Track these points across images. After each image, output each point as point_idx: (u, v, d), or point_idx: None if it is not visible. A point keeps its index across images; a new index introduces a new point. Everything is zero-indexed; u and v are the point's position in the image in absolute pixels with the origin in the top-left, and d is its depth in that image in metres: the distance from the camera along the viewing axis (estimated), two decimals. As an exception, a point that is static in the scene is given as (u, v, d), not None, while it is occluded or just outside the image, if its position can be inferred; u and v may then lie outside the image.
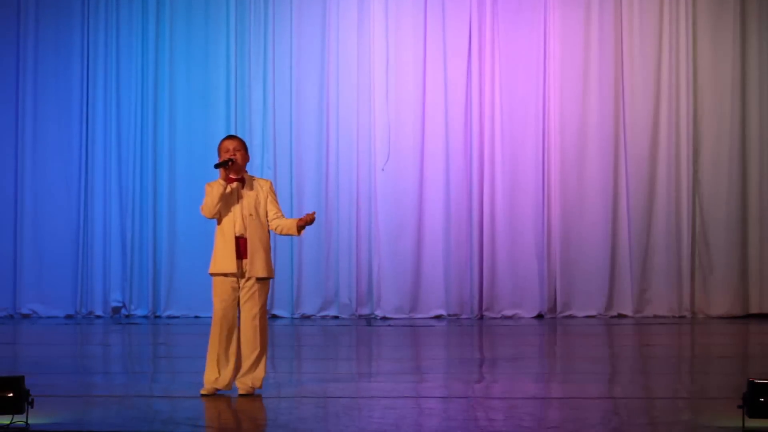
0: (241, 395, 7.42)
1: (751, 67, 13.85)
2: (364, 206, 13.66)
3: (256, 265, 7.50)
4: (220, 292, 7.51)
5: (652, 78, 13.79)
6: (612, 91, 13.74)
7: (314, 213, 7.62)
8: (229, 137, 7.80)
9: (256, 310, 7.51)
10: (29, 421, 6.22)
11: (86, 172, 13.69)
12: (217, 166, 7.62)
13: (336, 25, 13.72)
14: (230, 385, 7.47)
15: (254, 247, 7.50)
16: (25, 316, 13.57)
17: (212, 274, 7.53)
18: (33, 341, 11.53)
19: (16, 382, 6.19)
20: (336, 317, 13.57)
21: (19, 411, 6.16)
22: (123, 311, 13.63)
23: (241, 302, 7.53)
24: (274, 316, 13.59)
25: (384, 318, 13.45)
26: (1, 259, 13.65)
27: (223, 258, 7.49)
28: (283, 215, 7.68)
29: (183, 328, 12.64)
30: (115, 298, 13.65)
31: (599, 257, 13.65)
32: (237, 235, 7.50)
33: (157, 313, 13.61)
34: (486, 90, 13.69)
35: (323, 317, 13.56)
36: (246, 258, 7.49)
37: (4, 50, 13.75)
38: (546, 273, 13.60)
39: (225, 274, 7.48)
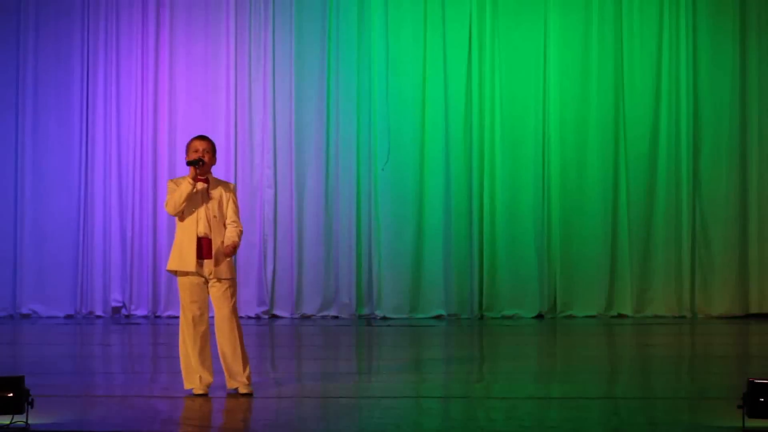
0: (244, 394, 7.42)
1: (751, 67, 13.85)
2: (364, 206, 13.67)
3: (221, 267, 7.54)
4: (190, 292, 7.53)
5: (652, 78, 13.79)
6: (612, 91, 13.74)
7: (232, 247, 7.52)
8: (200, 137, 7.76)
9: (229, 308, 7.56)
10: (29, 421, 6.22)
11: (86, 172, 13.69)
12: (190, 163, 7.57)
13: (336, 25, 13.72)
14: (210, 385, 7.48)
15: (218, 248, 7.52)
16: (25, 316, 13.57)
17: (170, 271, 7.58)
18: (33, 341, 11.53)
19: (16, 382, 6.19)
20: (336, 317, 13.57)
21: (19, 411, 6.17)
22: (123, 311, 13.63)
23: (214, 302, 7.55)
24: (274, 316, 13.60)
25: (384, 318, 13.45)
26: (1, 259, 13.64)
27: (184, 256, 7.50)
28: (237, 222, 7.63)
29: (183, 328, 12.62)
30: (115, 298, 13.65)
31: (599, 257, 13.65)
32: (200, 235, 7.52)
33: (157, 313, 13.61)
34: (486, 90, 13.70)
35: (323, 317, 13.56)
36: (210, 258, 7.50)
37: (4, 50, 13.75)
38: (546, 273, 13.60)
39: (185, 273, 7.48)
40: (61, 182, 13.71)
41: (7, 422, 6.17)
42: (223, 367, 7.54)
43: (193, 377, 7.46)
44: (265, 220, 13.63)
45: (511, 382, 8.40)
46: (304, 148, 13.71)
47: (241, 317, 13.48)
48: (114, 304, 13.64)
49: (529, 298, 13.65)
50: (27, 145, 13.70)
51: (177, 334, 11.96)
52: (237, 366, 7.48)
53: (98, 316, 13.56)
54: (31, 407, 6.24)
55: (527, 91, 13.74)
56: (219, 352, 7.55)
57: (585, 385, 8.21)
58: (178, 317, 13.27)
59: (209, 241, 7.52)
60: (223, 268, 7.53)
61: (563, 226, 13.65)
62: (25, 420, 6.20)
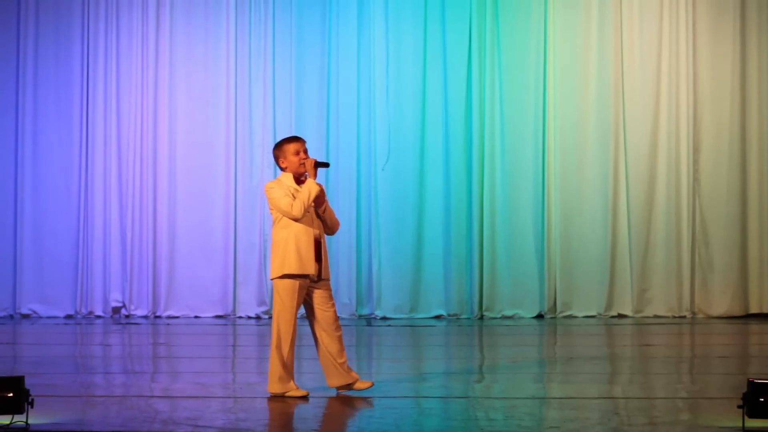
0: (364, 389, 7.44)
1: (751, 67, 13.85)
2: (365, 206, 13.66)
3: (328, 267, 7.48)
4: (298, 296, 7.34)
5: (652, 78, 13.79)
6: (612, 91, 13.74)
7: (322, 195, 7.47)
8: (297, 139, 7.51)
9: (335, 308, 7.50)
10: (29, 421, 6.22)
11: (86, 172, 13.69)
12: (320, 165, 7.40)
13: (336, 25, 13.71)
14: None
15: (325, 248, 7.47)
16: (25, 316, 13.57)
17: (288, 276, 7.31)
18: (33, 341, 11.53)
19: (16, 382, 6.19)
20: (336, 317, 13.54)
21: (19, 411, 6.16)
22: (123, 311, 13.63)
23: (320, 304, 7.42)
24: (274, 316, 13.58)
25: (384, 318, 13.45)
26: (1, 259, 13.64)
27: (304, 259, 7.30)
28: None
29: (183, 328, 12.64)
30: (115, 298, 13.64)
31: (599, 257, 13.65)
32: (316, 236, 7.37)
33: (157, 313, 13.60)
34: (486, 90, 13.69)
35: (323, 317, 13.53)
36: (321, 260, 7.41)
37: (4, 50, 13.74)
38: (546, 273, 13.60)
39: (298, 276, 7.34)
40: (61, 182, 13.70)
41: (7, 422, 6.17)
42: (329, 368, 7.44)
43: (288, 381, 7.35)
44: (265, 220, 13.61)
45: (511, 382, 8.39)
46: (304, 148, 13.68)
47: (240, 317, 13.57)
48: (114, 304, 13.63)
49: (529, 298, 13.64)
50: (27, 145, 13.69)
51: (177, 334, 12.07)
52: (345, 362, 7.46)
53: (98, 316, 13.56)
54: (31, 407, 6.23)
55: (527, 90, 13.73)
56: (323, 352, 7.43)
57: (585, 385, 8.21)
58: (177, 317, 13.48)
59: (319, 242, 7.41)
60: (328, 267, 7.48)
61: (563, 226, 13.65)
62: (25, 420, 6.20)
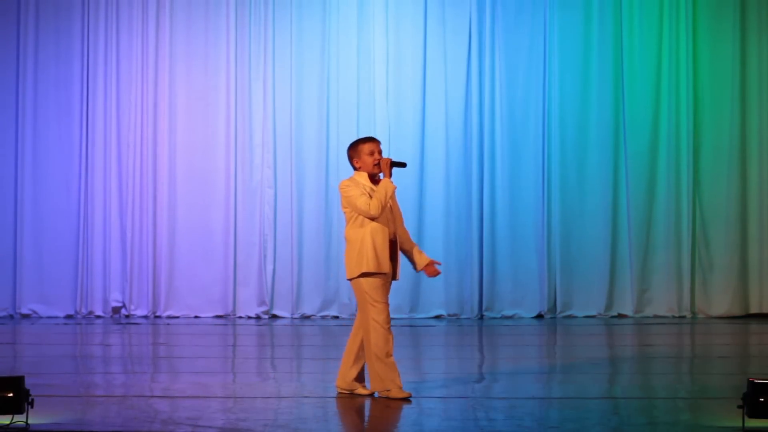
0: (368, 395, 7.43)
1: (751, 67, 13.87)
2: (364, 206, 13.65)
3: (399, 269, 7.49)
4: (385, 291, 7.36)
5: (652, 78, 13.80)
6: (612, 91, 13.74)
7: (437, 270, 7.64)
8: (372, 139, 7.50)
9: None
10: (29, 421, 6.22)
11: (86, 172, 13.69)
12: (397, 164, 7.43)
13: (336, 25, 13.72)
14: None
15: (398, 249, 7.44)
16: (25, 316, 13.57)
17: (366, 274, 7.30)
18: (33, 341, 11.53)
19: (16, 382, 6.19)
20: (336, 317, 13.57)
21: (19, 411, 6.16)
22: (123, 311, 13.63)
23: None
24: (274, 316, 13.59)
25: (384, 318, 13.43)
26: (1, 259, 13.64)
27: (381, 257, 7.31)
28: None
29: (183, 328, 12.64)
30: (115, 298, 13.65)
31: (599, 257, 13.66)
32: (391, 236, 7.38)
33: (157, 313, 13.61)
34: (486, 90, 13.70)
35: (323, 317, 13.56)
36: (397, 260, 7.42)
37: (4, 50, 13.75)
38: (546, 273, 13.61)
39: (378, 274, 7.31)
40: (61, 182, 13.71)
41: (7, 422, 6.17)
42: (353, 368, 7.47)
43: (396, 377, 7.33)
44: (265, 220, 13.63)
45: (511, 382, 8.40)
46: (304, 148, 13.71)
47: (240, 317, 13.57)
48: (114, 304, 13.64)
49: (529, 298, 13.65)
50: (27, 145, 13.69)
51: (177, 334, 12.06)
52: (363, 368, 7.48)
53: (98, 316, 13.56)
54: (31, 407, 6.23)
55: (527, 90, 13.75)
56: (359, 354, 7.44)
57: (585, 385, 8.21)
58: (177, 317, 13.48)
59: (394, 242, 7.42)
60: (399, 268, 7.46)
61: (563, 226, 13.66)
62: (25, 420, 6.20)
